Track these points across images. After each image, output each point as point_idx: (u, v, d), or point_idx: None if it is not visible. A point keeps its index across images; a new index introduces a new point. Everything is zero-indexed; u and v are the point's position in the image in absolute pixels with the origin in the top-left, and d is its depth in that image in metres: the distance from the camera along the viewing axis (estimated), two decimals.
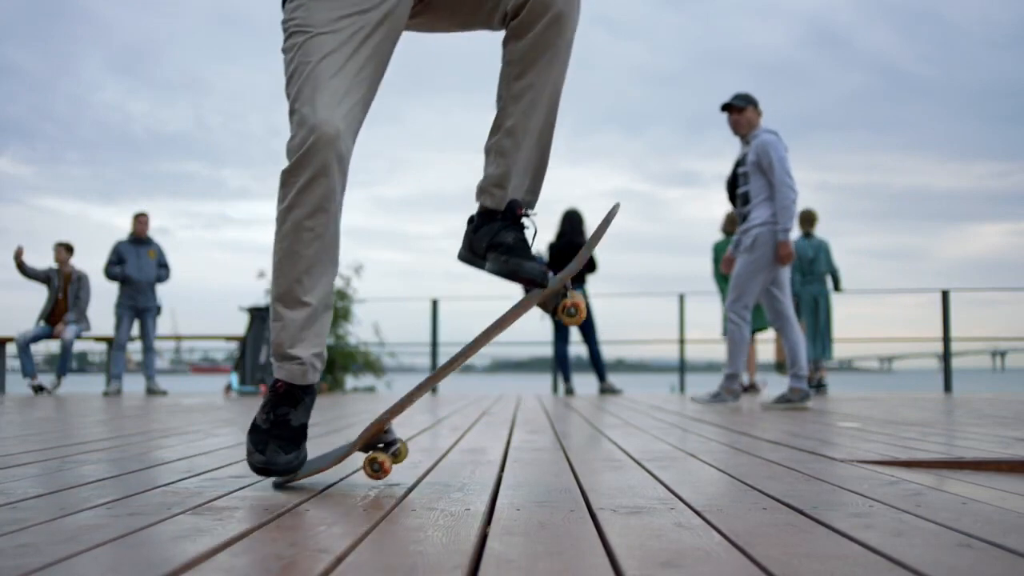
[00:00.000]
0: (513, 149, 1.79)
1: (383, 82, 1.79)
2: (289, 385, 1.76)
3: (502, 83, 1.80)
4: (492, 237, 1.79)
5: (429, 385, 1.82)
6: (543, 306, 1.81)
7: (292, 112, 1.66)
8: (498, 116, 1.81)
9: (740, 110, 5.47)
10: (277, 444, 1.71)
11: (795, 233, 8.72)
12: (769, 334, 8.73)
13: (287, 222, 1.69)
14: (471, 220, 1.88)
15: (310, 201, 1.67)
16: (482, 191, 1.83)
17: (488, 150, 1.83)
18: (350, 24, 1.69)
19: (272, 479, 1.78)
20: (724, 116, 5.57)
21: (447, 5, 1.83)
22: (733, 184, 5.83)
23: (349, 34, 1.69)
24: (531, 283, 1.75)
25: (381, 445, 1.76)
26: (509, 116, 1.79)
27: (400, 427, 3.56)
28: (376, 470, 1.68)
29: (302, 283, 1.72)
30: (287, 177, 1.67)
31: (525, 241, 1.79)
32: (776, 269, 5.40)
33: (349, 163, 1.69)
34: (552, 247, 8.46)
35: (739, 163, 5.66)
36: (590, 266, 8.38)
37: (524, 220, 1.81)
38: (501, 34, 1.80)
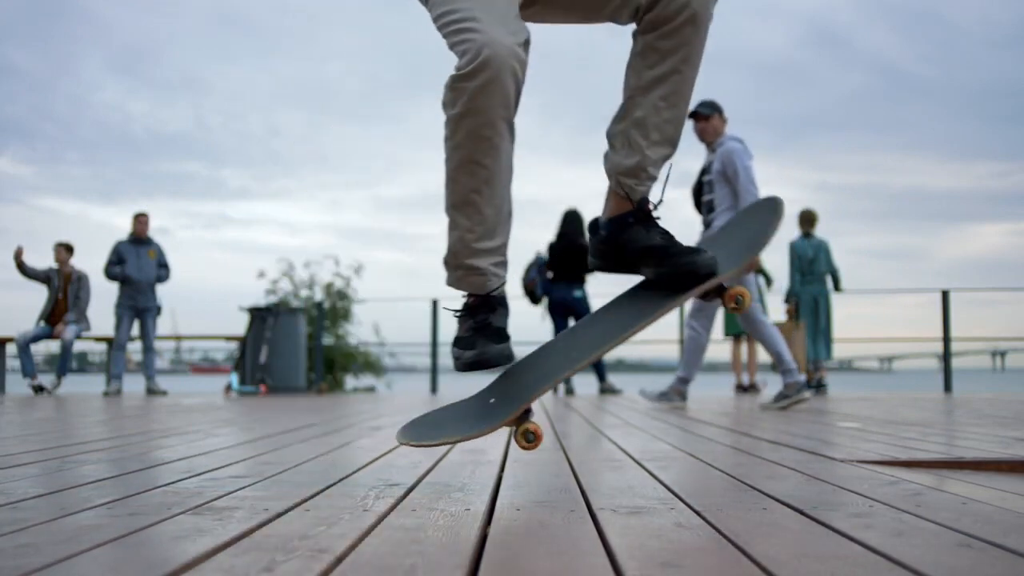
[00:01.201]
0: (644, 141, 1.77)
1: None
2: (478, 296, 1.75)
3: (631, 72, 1.78)
4: (639, 243, 1.76)
5: (582, 364, 1.73)
6: (704, 295, 1.77)
7: (456, 23, 1.62)
8: (626, 104, 1.79)
9: (706, 118, 5.48)
10: (484, 337, 1.69)
11: (795, 233, 8.75)
12: None
13: (462, 128, 1.66)
14: (596, 229, 1.85)
15: (485, 108, 1.62)
16: (611, 178, 1.80)
17: (614, 135, 1.81)
18: None
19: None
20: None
21: None
22: (698, 192, 5.85)
23: None
24: (707, 276, 1.70)
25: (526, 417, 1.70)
26: (638, 107, 1.77)
27: (400, 423, 3.56)
28: (530, 440, 1.62)
29: (481, 192, 1.70)
30: (457, 82, 1.62)
31: (672, 236, 1.76)
32: (740, 277, 5.41)
33: (525, 78, 1.65)
34: (552, 247, 8.46)
35: (704, 171, 5.69)
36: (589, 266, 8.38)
37: (655, 214, 1.79)
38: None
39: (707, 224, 5.55)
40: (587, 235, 1.92)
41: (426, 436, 1.73)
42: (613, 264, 1.83)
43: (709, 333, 5.52)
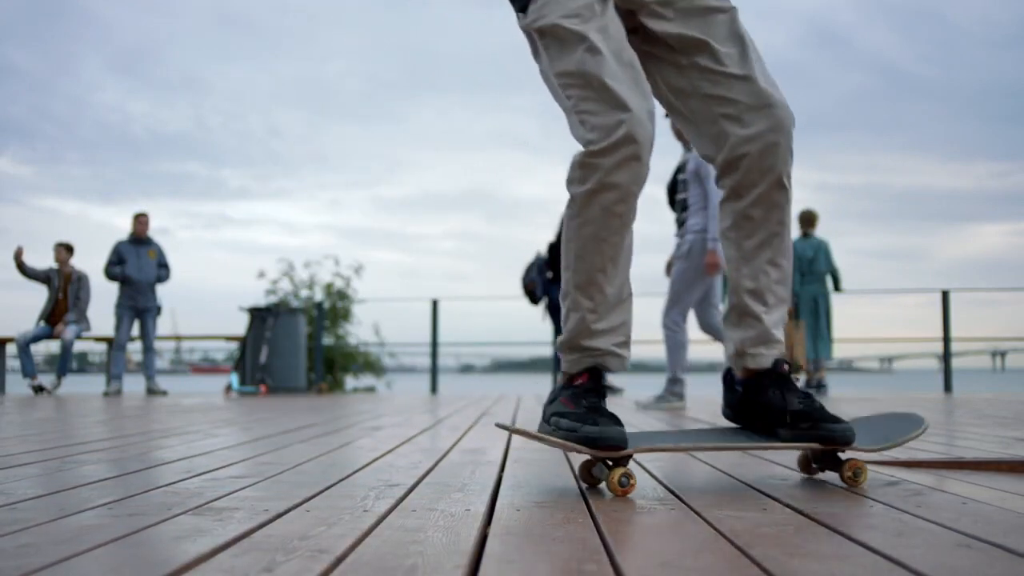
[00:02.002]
0: (761, 309, 1.77)
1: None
2: (592, 377, 1.73)
3: (729, 244, 1.79)
4: (778, 406, 1.75)
5: (689, 448, 1.77)
6: (822, 461, 1.78)
7: (590, 88, 1.62)
8: (734, 277, 1.79)
9: None
10: (605, 417, 1.66)
11: (794, 233, 8.74)
12: None
13: (592, 206, 1.65)
14: (730, 383, 1.85)
15: (621, 185, 1.63)
16: (740, 355, 1.80)
17: (728, 311, 1.81)
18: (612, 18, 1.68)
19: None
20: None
21: (678, 79, 1.78)
22: (672, 190, 5.88)
23: (617, 28, 1.68)
24: (844, 446, 1.70)
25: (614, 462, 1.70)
26: (747, 278, 1.77)
27: (400, 427, 3.56)
28: (624, 485, 1.62)
29: (606, 272, 1.70)
30: (593, 158, 1.61)
31: (813, 399, 1.76)
32: (711, 277, 5.43)
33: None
34: (552, 247, 8.46)
35: (679, 169, 5.72)
36: None
37: (789, 374, 1.78)
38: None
39: (680, 222, 5.58)
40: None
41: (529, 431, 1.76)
42: (747, 420, 1.83)
43: (685, 329, 5.54)
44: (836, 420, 1.71)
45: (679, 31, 1.74)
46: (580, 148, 1.65)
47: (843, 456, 1.74)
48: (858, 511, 1.41)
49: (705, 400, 6.93)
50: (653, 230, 5.68)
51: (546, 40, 1.70)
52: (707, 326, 5.62)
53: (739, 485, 1.74)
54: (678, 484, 1.74)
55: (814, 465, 1.82)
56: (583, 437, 1.62)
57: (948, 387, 9.60)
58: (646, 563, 1.02)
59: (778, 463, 2.13)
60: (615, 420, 1.66)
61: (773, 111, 1.69)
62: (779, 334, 1.79)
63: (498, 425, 1.81)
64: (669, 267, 5.79)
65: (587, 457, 1.73)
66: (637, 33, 1.77)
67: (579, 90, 1.64)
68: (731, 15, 1.75)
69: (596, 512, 1.39)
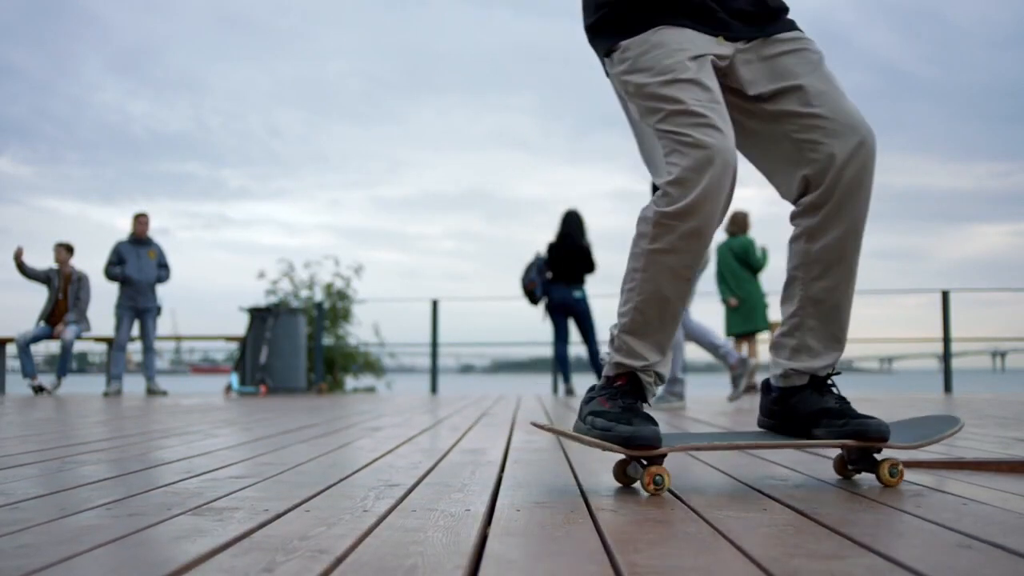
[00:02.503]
0: (818, 347, 1.79)
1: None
2: (631, 381, 1.74)
3: (797, 281, 1.79)
4: (813, 406, 1.77)
5: (724, 446, 1.79)
6: (861, 460, 1.79)
7: (676, 138, 1.62)
8: (796, 313, 1.80)
9: None
10: (639, 417, 1.68)
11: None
12: (767, 334, 8.73)
13: (658, 265, 1.67)
14: (769, 390, 1.87)
15: (691, 251, 1.66)
16: (786, 377, 1.82)
17: (781, 346, 1.83)
18: (704, 64, 1.70)
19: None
20: None
21: (752, 118, 1.79)
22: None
23: (709, 73, 1.70)
24: (878, 441, 1.71)
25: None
26: (811, 316, 1.78)
27: (400, 427, 3.56)
28: (658, 483, 1.63)
29: (664, 323, 1.72)
30: (668, 219, 1.63)
31: (847, 400, 1.78)
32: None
33: None
34: (552, 247, 8.46)
35: None
36: (588, 266, 8.37)
37: (830, 381, 1.81)
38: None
39: None
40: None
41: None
42: (783, 424, 1.84)
43: (680, 330, 5.55)
44: (870, 418, 1.72)
45: (769, 78, 1.75)
46: (654, 206, 1.66)
47: (879, 456, 1.75)
48: (858, 511, 1.41)
49: (705, 400, 6.94)
50: None
51: (640, 98, 1.71)
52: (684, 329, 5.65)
53: (739, 485, 1.74)
54: (678, 484, 1.74)
55: (850, 467, 1.82)
56: (617, 436, 1.64)
57: (948, 387, 9.60)
58: (646, 563, 1.02)
59: (778, 463, 2.13)
60: (650, 420, 1.68)
61: (864, 142, 1.69)
62: (832, 363, 1.81)
63: (534, 424, 1.84)
64: None
65: (622, 456, 1.74)
66: (726, 82, 1.78)
67: (671, 144, 1.65)
68: (819, 57, 1.77)
69: (596, 512, 1.39)
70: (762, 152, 1.81)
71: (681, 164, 1.61)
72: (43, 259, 9.41)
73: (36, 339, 9.12)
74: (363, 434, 3.21)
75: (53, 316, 9.18)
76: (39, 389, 8.87)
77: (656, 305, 1.70)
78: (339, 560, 1.03)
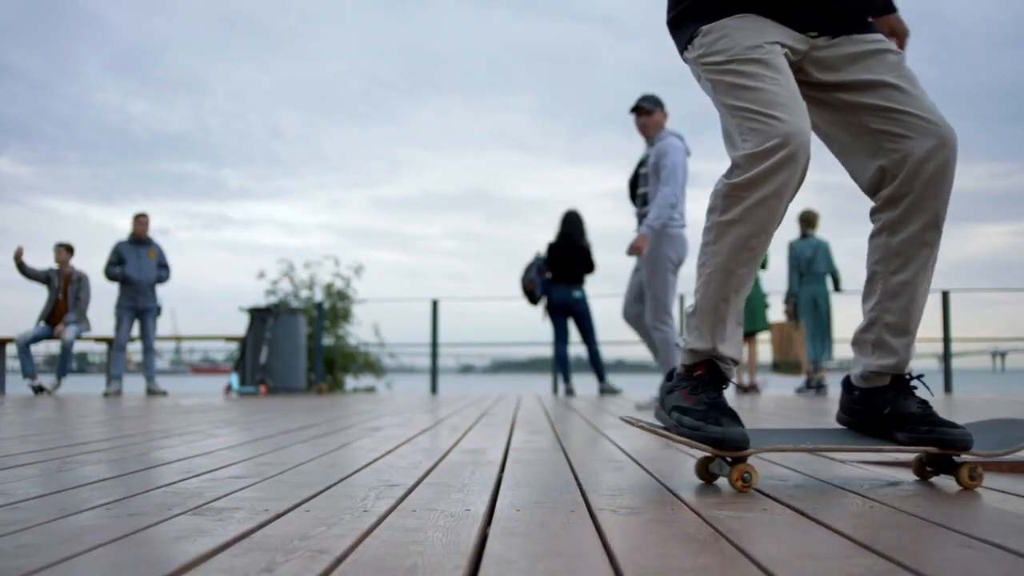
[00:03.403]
0: (900, 344, 1.80)
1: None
2: (709, 370, 1.77)
3: (877, 276, 1.80)
4: (895, 410, 1.78)
5: (809, 449, 1.82)
6: (936, 465, 1.80)
7: (752, 116, 1.66)
8: (874, 308, 1.81)
9: (648, 112, 5.56)
10: (727, 417, 1.70)
11: (793, 233, 8.75)
12: (767, 334, 8.74)
13: (728, 236, 1.70)
14: (849, 387, 1.88)
15: (758, 220, 1.67)
16: (867, 378, 1.83)
17: (862, 342, 1.84)
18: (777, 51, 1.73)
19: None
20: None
21: (833, 108, 1.81)
22: (634, 184, 5.88)
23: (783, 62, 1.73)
24: (961, 449, 1.71)
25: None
26: (889, 311, 1.79)
27: (400, 427, 3.56)
28: (746, 481, 1.65)
29: (728, 301, 1.74)
30: (737, 190, 1.66)
31: (929, 405, 1.78)
32: (678, 265, 5.42)
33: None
34: (552, 247, 8.46)
35: (642, 163, 5.74)
36: (588, 266, 8.37)
37: (913, 383, 1.82)
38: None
39: (640, 217, 5.60)
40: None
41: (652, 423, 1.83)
42: (863, 423, 1.85)
43: (674, 327, 5.53)
44: (953, 425, 1.73)
45: (848, 73, 1.78)
46: (724, 178, 1.70)
47: (958, 459, 1.75)
48: (858, 511, 1.41)
49: None
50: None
51: (715, 75, 1.75)
52: (637, 316, 5.64)
53: None
54: (678, 484, 1.74)
55: (928, 469, 1.82)
56: (707, 437, 1.67)
57: (948, 387, 9.59)
58: (646, 563, 1.02)
59: (778, 463, 2.13)
60: (736, 420, 1.71)
61: (945, 140, 1.71)
62: (909, 356, 1.82)
63: (622, 418, 1.87)
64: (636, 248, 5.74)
65: (705, 453, 1.76)
66: (798, 75, 1.80)
67: (744, 121, 1.68)
68: (900, 58, 1.79)
69: (596, 512, 1.39)
70: (835, 139, 1.84)
71: (752, 139, 1.65)
72: (43, 259, 9.42)
73: (36, 339, 9.11)
74: (363, 434, 3.21)
75: (53, 316, 9.18)
76: (39, 389, 8.86)
77: (722, 278, 1.73)
78: (339, 560, 1.03)
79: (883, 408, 1.80)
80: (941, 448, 1.71)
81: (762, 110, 1.65)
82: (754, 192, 1.65)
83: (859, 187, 1.84)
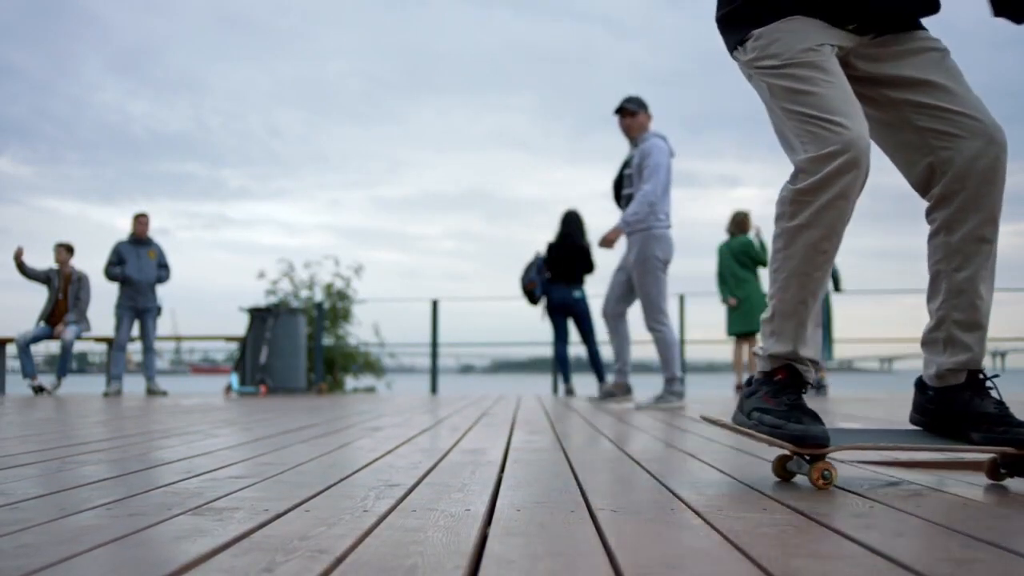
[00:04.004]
0: (972, 339, 1.80)
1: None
2: (790, 374, 1.79)
3: (940, 275, 1.81)
4: (971, 409, 1.78)
5: (886, 448, 1.81)
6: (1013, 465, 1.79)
7: (811, 121, 1.68)
8: (941, 307, 1.81)
9: (632, 114, 5.61)
10: (808, 416, 1.72)
11: None
12: None
13: (798, 241, 1.72)
14: (922, 387, 1.88)
15: (827, 223, 1.69)
16: (941, 377, 1.83)
17: (933, 341, 1.84)
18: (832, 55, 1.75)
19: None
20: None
21: (886, 108, 1.82)
22: (619, 185, 5.90)
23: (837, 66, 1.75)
24: None
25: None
26: (956, 308, 1.79)
27: (400, 427, 3.56)
28: (826, 478, 1.66)
29: (806, 304, 1.76)
30: (804, 195, 1.69)
31: (1006, 406, 1.78)
32: (666, 264, 5.44)
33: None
34: (552, 247, 8.46)
35: (626, 164, 5.76)
36: (588, 267, 8.37)
37: (988, 383, 1.81)
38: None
39: None
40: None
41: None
42: (937, 423, 1.85)
43: (671, 325, 5.55)
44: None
45: (894, 70, 1.80)
46: (790, 184, 1.72)
47: None
48: (858, 511, 1.41)
49: (704, 400, 6.94)
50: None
51: (771, 79, 1.77)
52: (616, 315, 5.69)
53: (739, 485, 1.74)
54: (678, 484, 1.74)
55: (1002, 471, 1.82)
56: (789, 435, 1.69)
57: None
58: (646, 563, 1.02)
59: None
60: (817, 419, 1.72)
61: (993, 138, 1.72)
62: (982, 351, 1.82)
63: (703, 418, 1.89)
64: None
65: (783, 451, 1.78)
66: (846, 69, 1.82)
67: (803, 125, 1.70)
68: (944, 53, 1.80)
69: (596, 512, 1.39)
70: (882, 136, 1.85)
71: (813, 144, 1.67)
72: (43, 259, 9.42)
73: (36, 339, 9.11)
74: (363, 434, 3.21)
75: (53, 316, 9.18)
76: (39, 389, 8.86)
77: (798, 282, 1.75)
78: (339, 560, 1.03)
79: (958, 408, 1.80)
80: (1018, 449, 1.71)
81: (821, 115, 1.67)
82: (820, 196, 1.67)
83: (908, 183, 1.85)
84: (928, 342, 1.85)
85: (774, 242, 1.78)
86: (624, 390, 5.66)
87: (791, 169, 1.74)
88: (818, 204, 1.68)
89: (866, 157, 1.67)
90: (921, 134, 1.76)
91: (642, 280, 5.41)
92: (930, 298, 1.84)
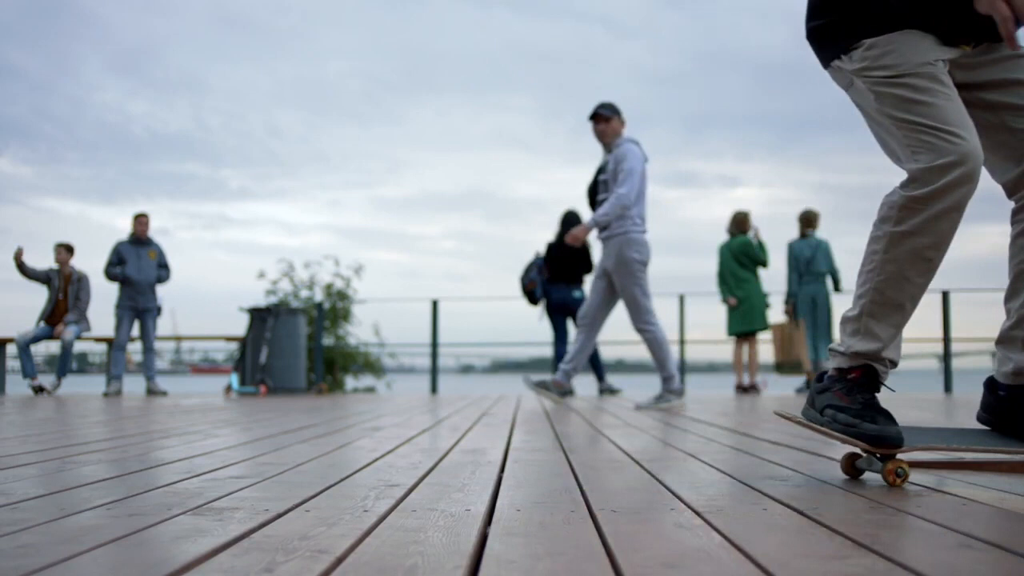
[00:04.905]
0: None
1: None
2: (865, 373, 1.79)
3: (1022, 275, 1.83)
4: None
5: (960, 449, 1.83)
6: None
7: (927, 131, 1.69)
8: (1023, 307, 1.83)
9: (606, 120, 5.65)
10: (883, 416, 1.74)
11: (792, 233, 8.76)
12: (768, 334, 8.74)
13: (903, 246, 1.73)
14: (992, 388, 1.89)
15: (937, 232, 1.71)
16: (1019, 374, 1.84)
17: (1012, 339, 1.85)
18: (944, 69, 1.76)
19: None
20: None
21: (989, 109, 1.84)
22: (594, 191, 5.92)
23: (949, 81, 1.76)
24: None
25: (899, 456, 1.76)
26: None
27: (400, 427, 3.56)
28: (900, 475, 1.69)
29: (903, 308, 1.77)
30: (916, 203, 1.69)
31: None
32: (646, 266, 5.45)
33: None
34: (552, 247, 8.46)
35: (601, 170, 5.80)
36: (587, 267, 8.37)
37: None
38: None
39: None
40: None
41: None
42: (1006, 425, 1.87)
43: (660, 324, 5.55)
44: None
45: (991, 75, 1.82)
46: (901, 190, 1.72)
47: None
48: (858, 511, 1.41)
49: (705, 399, 6.94)
50: (652, 230, 5.64)
51: (883, 88, 1.77)
52: (589, 318, 5.71)
53: (739, 485, 1.74)
54: (678, 484, 1.74)
55: None
56: (863, 434, 1.71)
57: (948, 388, 9.59)
58: (646, 563, 1.02)
59: (778, 463, 2.13)
60: (891, 418, 1.74)
61: None
62: None
63: (776, 413, 1.90)
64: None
65: (853, 449, 1.79)
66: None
67: (916, 135, 1.71)
68: None
69: (596, 512, 1.39)
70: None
71: (926, 154, 1.68)
72: (43, 259, 9.42)
73: (36, 339, 9.11)
74: (363, 434, 3.21)
75: (53, 316, 9.18)
76: (39, 389, 8.86)
77: (896, 286, 1.76)
78: (339, 560, 1.03)
79: None
80: None
81: (937, 126, 1.68)
82: (934, 205, 1.68)
83: (997, 183, 1.87)
84: (1006, 340, 1.86)
85: (872, 243, 1.78)
86: (564, 391, 5.68)
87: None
88: (930, 213, 1.69)
89: (978, 174, 1.69)
90: (1016, 135, 1.79)
91: (625, 283, 5.45)
92: (1009, 297, 1.86)
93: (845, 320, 1.83)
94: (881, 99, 1.78)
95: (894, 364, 1.82)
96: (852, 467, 1.84)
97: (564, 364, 5.71)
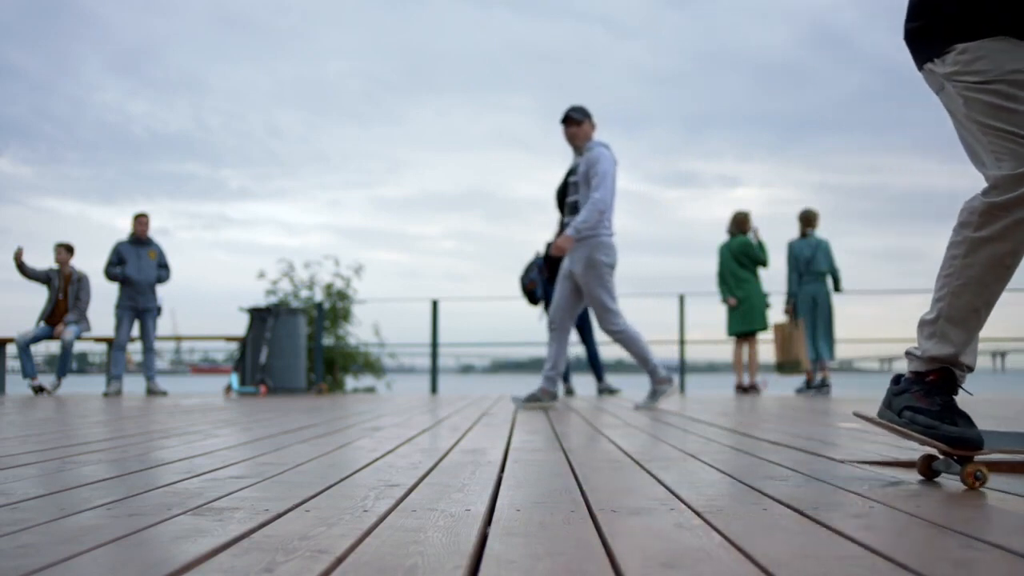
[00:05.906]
0: None
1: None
2: (942, 376, 1.80)
3: None
4: None
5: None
6: None
7: (1013, 138, 1.69)
8: None
9: (578, 123, 5.68)
10: (962, 418, 1.75)
11: (792, 233, 8.75)
12: (768, 334, 8.73)
13: (982, 251, 1.74)
14: None
15: (1016, 239, 1.71)
16: None
17: None
18: None
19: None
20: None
21: None
22: (563, 193, 5.94)
23: None
24: None
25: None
26: None
27: (400, 427, 3.56)
28: (979, 478, 1.69)
29: (979, 313, 1.79)
30: (997, 209, 1.70)
31: None
32: (612, 268, 5.46)
33: None
34: (551, 246, 8.46)
35: (571, 172, 5.84)
36: None
37: None
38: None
39: (566, 226, 5.67)
40: None
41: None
42: None
43: (628, 322, 5.55)
44: None
45: None
46: (983, 197, 1.73)
47: None
48: (858, 511, 1.41)
49: (705, 400, 6.93)
50: (652, 230, 5.66)
51: (973, 93, 1.77)
52: (560, 321, 5.73)
53: (739, 485, 1.74)
54: (678, 484, 1.74)
55: None
56: (944, 436, 1.72)
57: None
58: (646, 563, 1.02)
59: (778, 463, 2.13)
60: (970, 421, 1.75)
61: None
62: None
63: (855, 414, 1.92)
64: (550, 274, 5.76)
65: (930, 451, 1.80)
66: None
67: (1002, 141, 1.71)
68: None
69: (596, 512, 1.39)
70: None
71: (1011, 161, 1.69)
72: (43, 259, 9.42)
73: (36, 339, 9.11)
74: (363, 434, 3.21)
75: (53, 316, 9.18)
76: (39, 389, 8.86)
77: (973, 291, 1.77)
78: (339, 560, 1.03)
79: None
80: None
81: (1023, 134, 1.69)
82: (1015, 212, 1.69)
83: None
84: None
85: (951, 248, 1.79)
86: (551, 396, 5.69)
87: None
88: (1011, 220, 1.70)
89: None
90: None
91: (591, 286, 5.47)
92: None
93: (922, 324, 1.84)
94: (970, 104, 1.78)
95: (970, 369, 1.83)
96: (929, 469, 1.84)
97: (546, 371, 5.68)
